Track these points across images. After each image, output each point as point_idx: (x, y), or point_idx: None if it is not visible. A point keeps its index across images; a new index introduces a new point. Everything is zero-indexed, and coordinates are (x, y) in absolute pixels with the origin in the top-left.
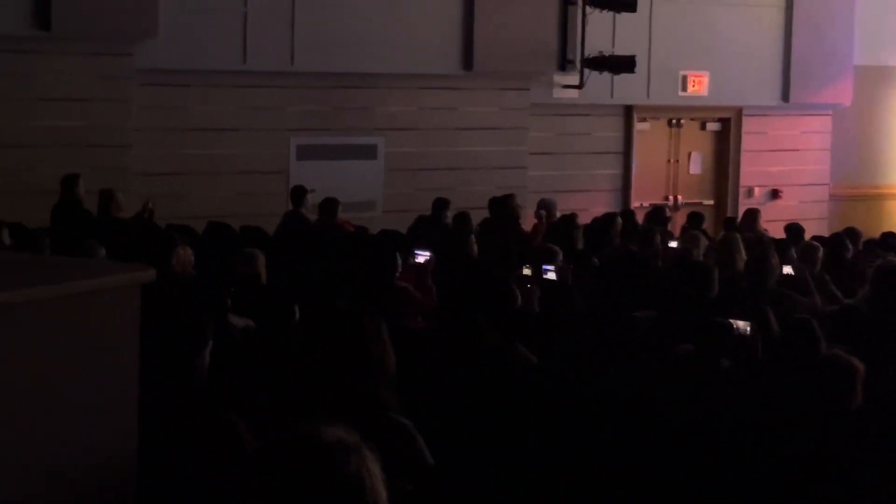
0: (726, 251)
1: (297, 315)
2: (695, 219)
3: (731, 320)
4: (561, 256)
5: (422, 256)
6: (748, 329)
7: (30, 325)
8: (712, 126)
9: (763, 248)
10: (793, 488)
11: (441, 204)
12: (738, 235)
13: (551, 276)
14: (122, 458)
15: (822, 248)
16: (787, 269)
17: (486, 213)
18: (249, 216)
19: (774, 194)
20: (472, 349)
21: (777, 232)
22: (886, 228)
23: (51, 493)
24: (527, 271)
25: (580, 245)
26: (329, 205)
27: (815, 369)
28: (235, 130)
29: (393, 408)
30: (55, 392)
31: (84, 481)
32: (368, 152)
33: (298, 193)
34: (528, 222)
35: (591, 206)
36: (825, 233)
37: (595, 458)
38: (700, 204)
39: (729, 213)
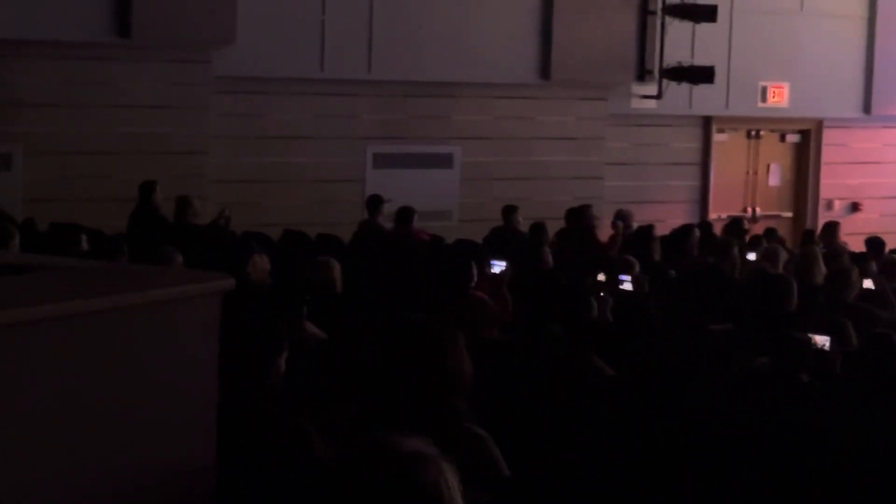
0: (805, 264)
1: (373, 325)
2: (770, 233)
3: (810, 334)
4: (638, 268)
5: (498, 267)
6: (827, 344)
7: (110, 333)
8: (792, 138)
9: (843, 262)
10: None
11: (510, 210)
12: (817, 248)
13: (628, 286)
14: (200, 470)
15: None
16: (868, 283)
17: (561, 224)
18: (325, 224)
19: (854, 207)
20: (548, 360)
21: (857, 245)
22: None
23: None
24: (601, 279)
25: (657, 256)
26: (405, 214)
27: (891, 382)
28: (312, 138)
29: (469, 419)
30: (134, 403)
31: (161, 494)
32: (444, 161)
33: (375, 202)
34: (604, 233)
35: (667, 217)
36: None
37: (671, 472)
38: (779, 216)
39: (808, 226)
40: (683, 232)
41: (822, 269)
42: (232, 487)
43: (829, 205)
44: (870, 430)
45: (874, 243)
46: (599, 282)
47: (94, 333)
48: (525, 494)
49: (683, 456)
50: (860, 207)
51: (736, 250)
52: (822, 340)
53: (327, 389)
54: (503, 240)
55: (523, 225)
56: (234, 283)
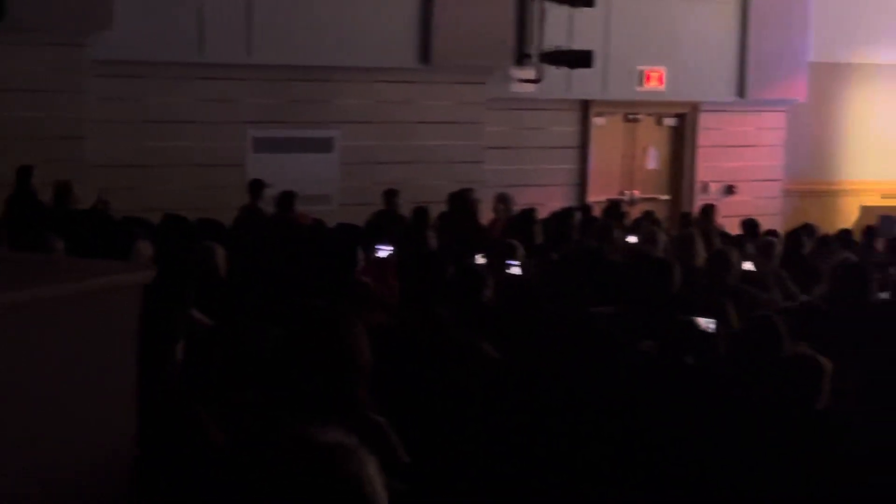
0: (685, 247)
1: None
2: (649, 215)
3: (694, 317)
4: (522, 251)
5: (383, 251)
6: (711, 326)
7: (32, 325)
8: (669, 121)
9: (724, 244)
10: (759, 487)
11: (391, 194)
12: (696, 231)
13: (516, 270)
14: (121, 460)
15: (779, 244)
16: (747, 265)
17: (442, 207)
18: (206, 209)
19: (729, 190)
20: (436, 345)
21: (732, 227)
22: (838, 224)
23: (47, 494)
24: (481, 261)
25: (539, 240)
26: (286, 198)
27: (781, 367)
28: (192, 122)
29: (369, 406)
30: (55, 394)
31: (82, 482)
32: (324, 145)
33: (256, 186)
34: (485, 217)
35: (547, 200)
36: (779, 228)
37: (559, 454)
38: (656, 199)
39: (684, 209)
40: (564, 215)
41: (702, 251)
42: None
43: (705, 188)
44: (755, 413)
45: (750, 225)
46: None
47: (16, 326)
48: (425, 480)
49: (571, 438)
50: (735, 190)
51: (617, 233)
52: (706, 323)
53: (222, 378)
54: (385, 224)
55: (404, 209)
56: (154, 275)
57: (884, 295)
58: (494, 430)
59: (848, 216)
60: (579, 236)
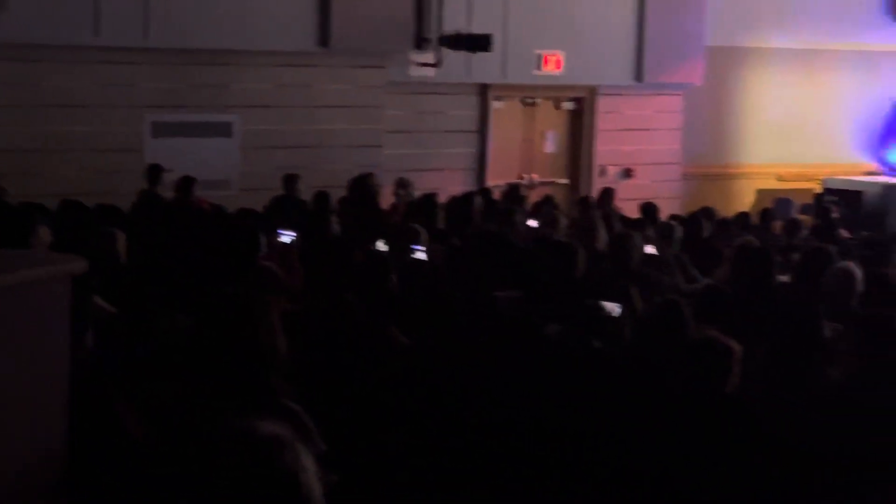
0: (587, 231)
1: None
2: (549, 200)
3: (601, 301)
4: (425, 236)
5: (286, 236)
6: (616, 310)
7: None
8: (567, 105)
9: (625, 228)
10: (669, 469)
11: (291, 179)
12: (597, 214)
13: (420, 256)
14: (52, 449)
15: (679, 228)
16: (649, 249)
17: (342, 192)
18: (103, 194)
19: (627, 173)
20: (345, 330)
21: (630, 211)
22: (735, 207)
23: None
24: (382, 247)
25: (441, 225)
26: (186, 183)
27: (690, 351)
28: (88, 106)
29: (284, 393)
30: None
31: (13, 472)
32: (223, 130)
33: (154, 171)
34: (385, 201)
35: (446, 184)
36: (677, 211)
37: (469, 439)
38: (554, 183)
39: (583, 192)
40: (465, 199)
41: (604, 235)
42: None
43: (604, 171)
44: (664, 396)
45: (649, 209)
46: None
47: None
48: (342, 467)
49: (480, 422)
50: (633, 174)
51: (518, 217)
52: (611, 306)
53: (132, 368)
54: (285, 209)
55: (304, 193)
56: (86, 266)
57: (783, 277)
58: (406, 416)
59: (744, 199)
60: (481, 221)
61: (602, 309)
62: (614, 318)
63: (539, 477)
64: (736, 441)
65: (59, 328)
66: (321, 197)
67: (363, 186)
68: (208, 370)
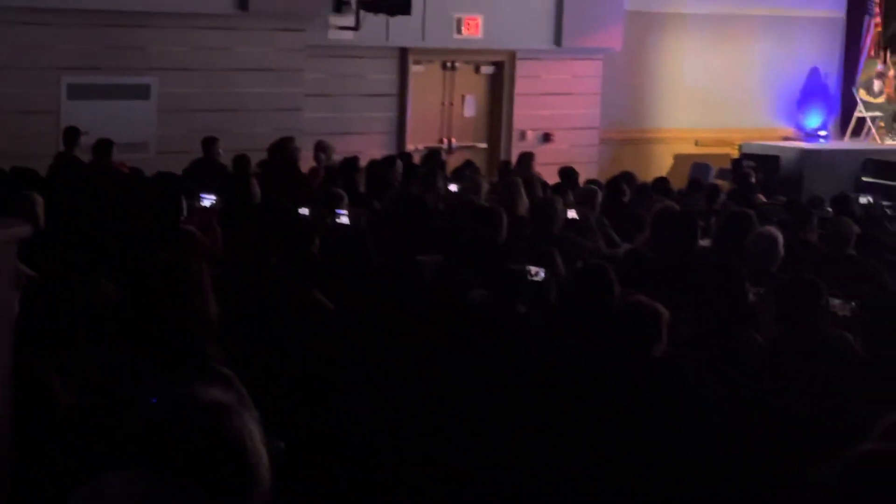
0: (509, 195)
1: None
2: (469, 164)
3: (525, 266)
4: (346, 200)
5: (207, 200)
6: (541, 274)
7: None
8: (486, 69)
9: (546, 192)
10: (599, 433)
11: (210, 142)
12: (519, 179)
13: (343, 220)
14: None
15: (599, 192)
16: (571, 213)
17: (262, 156)
18: (19, 157)
19: (546, 138)
20: (269, 295)
21: (549, 175)
22: (653, 171)
23: None
24: (304, 212)
25: (362, 189)
26: (103, 146)
27: (618, 315)
28: (3, 68)
29: (216, 359)
30: None
31: None
32: (141, 92)
33: (71, 134)
34: (304, 165)
35: (365, 148)
36: (595, 176)
37: (396, 403)
38: (474, 147)
39: (502, 157)
40: (386, 163)
41: (525, 199)
42: None
43: (523, 135)
44: (593, 361)
45: (568, 173)
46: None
47: None
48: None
49: (407, 387)
50: (552, 138)
51: (439, 181)
52: (536, 271)
53: (57, 333)
54: (204, 172)
55: (223, 157)
56: (31, 231)
57: (704, 242)
58: (332, 381)
59: (662, 164)
60: (401, 185)
61: (526, 273)
62: (538, 282)
63: (464, 439)
64: (665, 405)
65: (3, 295)
66: (241, 161)
67: (283, 150)
68: (140, 337)
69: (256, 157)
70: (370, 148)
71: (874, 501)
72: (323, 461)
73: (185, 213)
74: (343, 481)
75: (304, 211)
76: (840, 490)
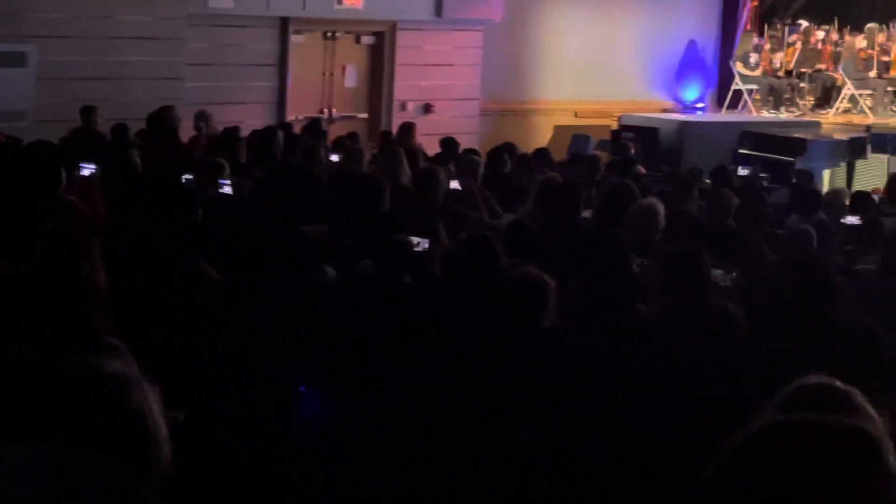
0: (390, 165)
1: None
2: (353, 135)
3: (410, 236)
4: (228, 170)
5: (87, 169)
6: (425, 245)
7: None
8: (367, 40)
9: (428, 163)
10: (487, 404)
11: (89, 111)
12: (401, 149)
13: (227, 190)
14: None
15: (482, 163)
16: (454, 184)
17: (142, 125)
18: None
19: (427, 108)
20: (154, 267)
21: (430, 146)
22: (533, 143)
23: None
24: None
25: (243, 159)
26: None
27: (506, 286)
28: None
29: (106, 330)
30: None
31: None
32: (18, 60)
33: None
34: (185, 134)
35: (247, 118)
36: (476, 147)
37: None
38: (355, 117)
39: (383, 127)
40: (267, 133)
41: (407, 170)
42: None
43: (403, 106)
44: (480, 330)
45: (449, 144)
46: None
47: None
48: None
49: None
50: (432, 109)
51: (322, 151)
52: (419, 241)
53: None
54: (83, 141)
55: (103, 126)
56: None
57: (586, 213)
58: (221, 350)
59: (542, 135)
60: (283, 155)
61: (410, 244)
62: (423, 253)
63: (354, 409)
64: (555, 375)
65: None
66: (120, 129)
67: (163, 119)
68: (28, 308)
69: (136, 127)
70: (251, 118)
71: (782, 473)
72: (218, 432)
73: (64, 182)
74: (240, 452)
75: (186, 180)
76: (748, 462)
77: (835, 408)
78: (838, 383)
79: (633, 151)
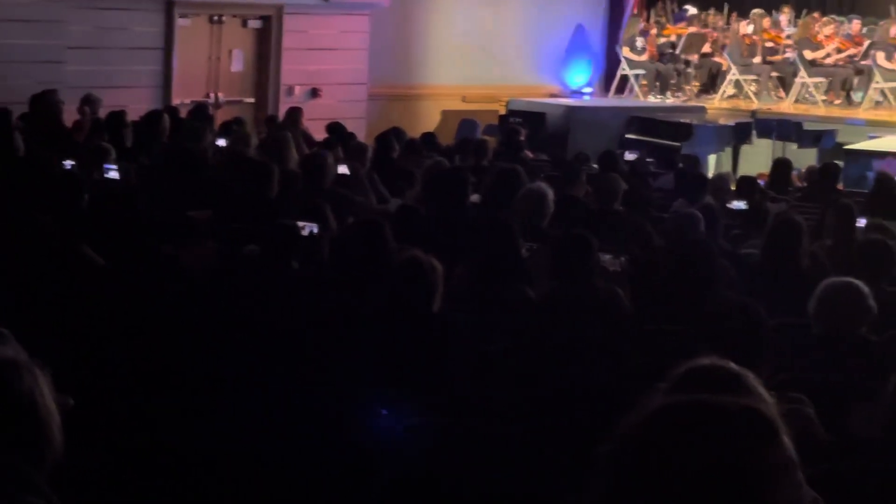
0: (278, 150)
1: None
2: (240, 120)
3: (298, 221)
4: (114, 154)
5: None
6: (313, 230)
7: None
8: (254, 24)
9: (316, 148)
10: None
11: None
12: (288, 134)
13: (113, 175)
14: None
15: (370, 148)
16: (342, 169)
17: (23, 109)
18: None
19: (314, 93)
20: (35, 251)
21: (317, 131)
22: (421, 127)
23: None
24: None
25: (129, 143)
26: None
27: (395, 270)
28: None
29: None
30: None
31: None
32: None
33: None
34: (68, 118)
35: (131, 102)
36: (363, 132)
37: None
38: (241, 101)
39: (270, 112)
40: (153, 118)
41: (295, 154)
42: None
43: (290, 91)
44: (370, 315)
45: (336, 129)
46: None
47: None
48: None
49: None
50: (319, 94)
51: (209, 136)
52: (307, 226)
53: None
54: None
55: None
56: None
57: (474, 198)
58: (103, 335)
59: (430, 120)
60: (169, 139)
61: (298, 228)
62: (311, 238)
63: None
64: (443, 359)
65: None
66: (2, 114)
67: (45, 103)
68: None
69: (18, 111)
70: (136, 102)
71: (678, 454)
72: (107, 417)
73: None
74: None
75: (69, 164)
76: (644, 444)
77: (727, 389)
78: (731, 365)
79: (521, 137)
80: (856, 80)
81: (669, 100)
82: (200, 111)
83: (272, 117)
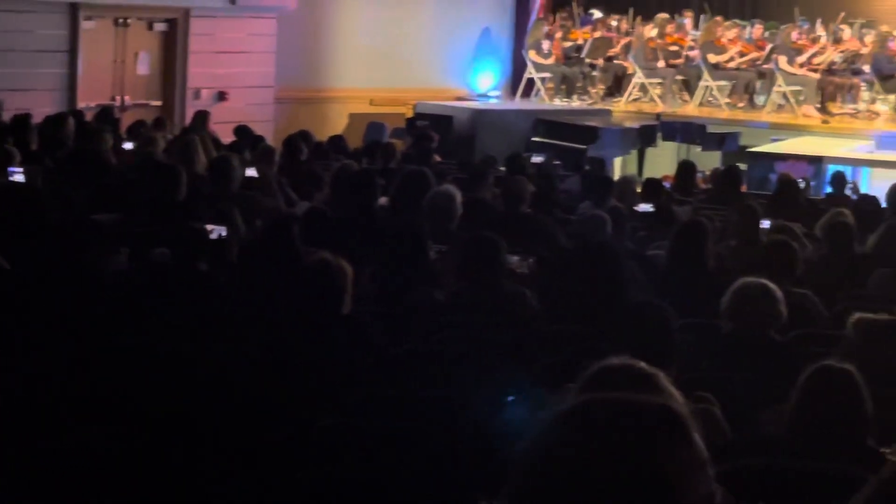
0: (186, 153)
1: None
2: (159, 122)
3: (206, 224)
4: (19, 157)
5: None
6: (221, 232)
7: None
8: (160, 26)
9: (223, 150)
10: (289, 392)
11: None
12: (196, 137)
13: (19, 178)
14: None
15: (277, 151)
16: (250, 172)
17: None
18: None
19: (221, 96)
20: None
21: (224, 134)
22: (328, 130)
23: None
24: None
25: (34, 146)
26: None
27: (305, 272)
28: None
29: None
30: None
31: None
32: None
33: None
34: None
35: (36, 105)
36: (270, 135)
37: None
38: (147, 105)
39: (177, 115)
40: (58, 121)
41: (203, 157)
42: None
43: (197, 94)
44: (279, 317)
45: (244, 132)
46: None
47: None
48: None
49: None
50: (226, 97)
51: (111, 139)
52: (217, 229)
53: None
54: None
55: None
56: None
57: (382, 201)
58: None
59: (338, 123)
60: (74, 142)
61: (206, 232)
62: (219, 240)
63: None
64: (353, 361)
65: None
66: None
67: None
68: None
69: None
70: (41, 105)
71: (591, 452)
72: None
73: None
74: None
75: None
76: (556, 442)
77: (639, 388)
78: (642, 364)
79: (431, 141)
80: (758, 84)
81: (575, 103)
82: (106, 114)
83: (160, 119)
